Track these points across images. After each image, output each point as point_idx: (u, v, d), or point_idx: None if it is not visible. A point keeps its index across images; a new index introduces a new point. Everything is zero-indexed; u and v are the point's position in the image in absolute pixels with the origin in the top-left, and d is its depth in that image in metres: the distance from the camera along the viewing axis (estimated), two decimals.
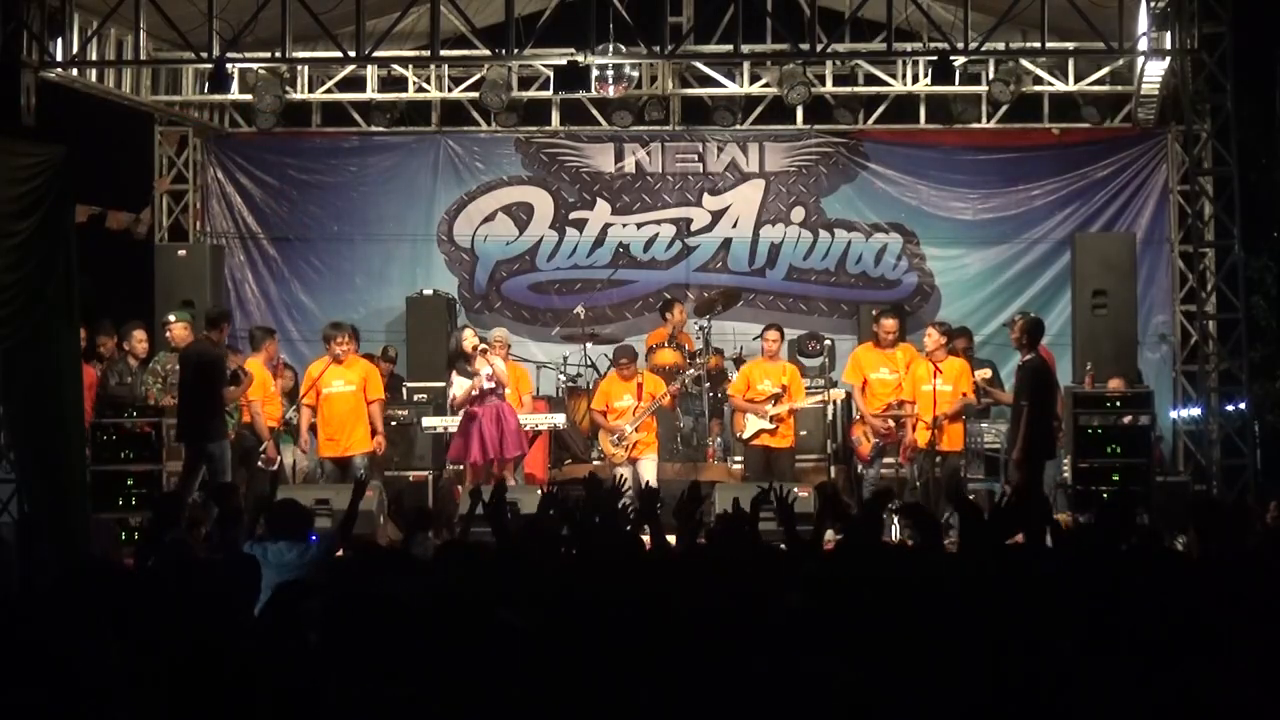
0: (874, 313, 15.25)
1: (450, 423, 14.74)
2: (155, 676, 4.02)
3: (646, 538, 7.56)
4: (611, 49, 14.68)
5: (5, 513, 12.34)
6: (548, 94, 16.83)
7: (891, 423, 14.06)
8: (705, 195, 17.46)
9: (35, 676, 4.02)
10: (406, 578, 5.32)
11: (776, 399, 14.28)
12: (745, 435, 14.41)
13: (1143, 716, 3.75)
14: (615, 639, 3.99)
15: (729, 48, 14.65)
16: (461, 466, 14.08)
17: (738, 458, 14.79)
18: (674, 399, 14.58)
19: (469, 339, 13.90)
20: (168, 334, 13.89)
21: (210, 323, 13.44)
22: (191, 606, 4.78)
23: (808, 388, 14.91)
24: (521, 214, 17.57)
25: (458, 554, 5.83)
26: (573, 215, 17.51)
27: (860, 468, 14.32)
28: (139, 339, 14.26)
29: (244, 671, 3.92)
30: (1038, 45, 14.37)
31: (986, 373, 14.42)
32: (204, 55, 14.19)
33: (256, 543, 8.41)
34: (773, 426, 14.28)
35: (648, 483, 12.79)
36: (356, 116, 17.36)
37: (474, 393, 13.66)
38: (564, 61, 14.38)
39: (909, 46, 14.80)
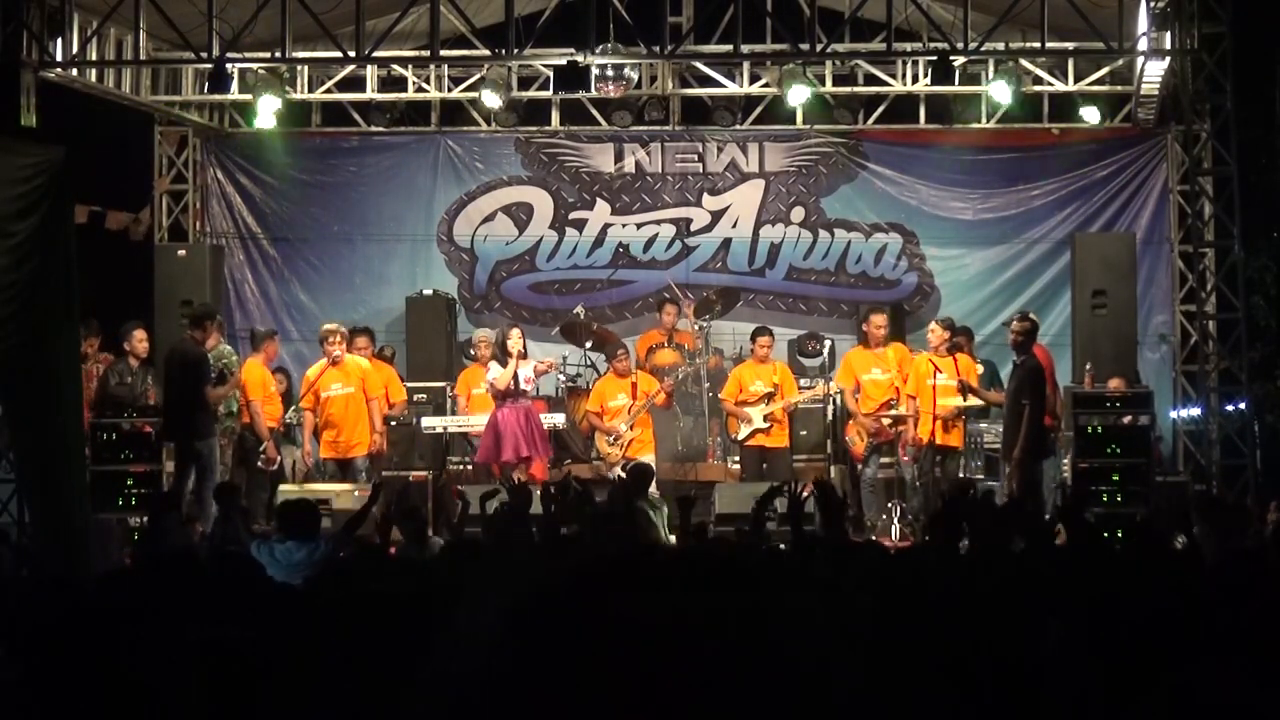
0: (862, 309, 15.30)
1: (449, 422, 14.79)
2: (151, 678, 4.01)
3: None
4: (611, 49, 14.68)
5: (5, 513, 12.35)
6: (548, 94, 16.83)
7: (884, 421, 14.09)
8: (705, 195, 17.44)
9: (36, 678, 4.01)
10: (402, 577, 5.31)
11: (769, 398, 14.32)
12: (740, 436, 14.45)
13: (1142, 717, 3.74)
14: (616, 640, 3.98)
15: (729, 48, 14.66)
16: (467, 466, 14.17)
17: (737, 457, 14.80)
18: (669, 396, 14.57)
19: (515, 340, 14.04)
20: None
21: (193, 322, 13.49)
22: (189, 606, 4.77)
23: (804, 386, 14.95)
24: (521, 214, 17.56)
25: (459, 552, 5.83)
26: (572, 215, 17.50)
27: (858, 467, 14.35)
28: (139, 339, 14.25)
29: (237, 671, 3.91)
30: (1038, 45, 14.38)
31: (979, 368, 14.46)
32: (204, 55, 14.20)
33: (264, 542, 8.42)
34: (766, 426, 14.31)
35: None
36: (356, 116, 17.35)
37: (511, 384, 13.70)
38: (564, 61, 14.38)
39: (909, 46, 14.80)
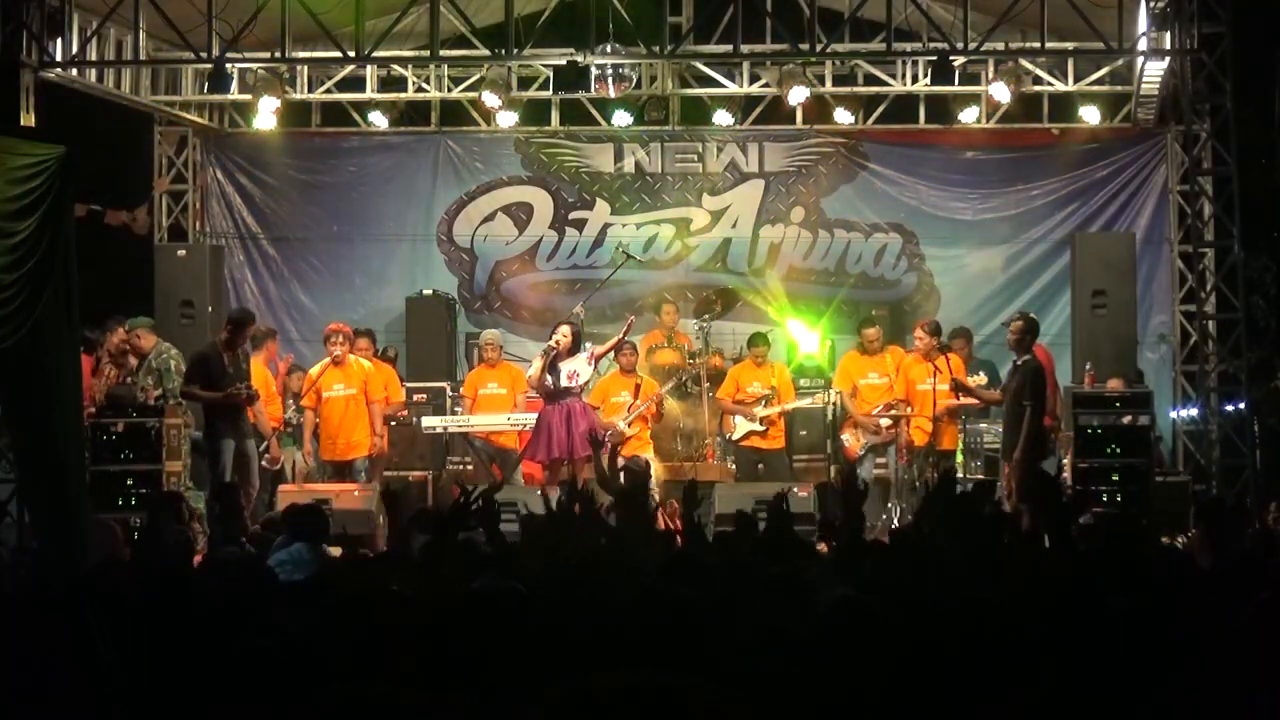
0: (863, 320, 15.38)
1: (450, 422, 14.80)
2: (151, 676, 4.02)
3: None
4: (611, 49, 14.68)
5: (5, 513, 12.34)
6: (548, 94, 16.84)
7: (883, 423, 14.11)
8: (705, 195, 17.44)
9: (40, 675, 4.02)
10: (405, 576, 5.32)
11: (766, 400, 14.34)
12: (735, 436, 14.48)
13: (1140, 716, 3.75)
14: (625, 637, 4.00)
15: (729, 48, 14.67)
16: (467, 466, 14.11)
17: (733, 457, 14.80)
18: (658, 409, 14.54)
19: (557, 336, 13.56)
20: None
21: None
22: (191, 604, 4.78)
23: (805, 387, 14.96)
24: (521, 214, 17.56)
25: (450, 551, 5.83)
26: (572, 215, 17.50)
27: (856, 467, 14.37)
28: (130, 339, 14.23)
29: (238, 667, 3.92)
30: (1037, 45, 14.40)
31: (982, 378, 14.45)
32: (204, 55, 14.20)
33: (279, 546, 8.46)
34: (763, 428, 14.34)
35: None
36: (356, 117, 17.35)
37: (549, 381, 13.37)
38: (564, 61, 14.39)
39: (909, 46, 14.80)
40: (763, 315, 16.75)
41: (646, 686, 1.49)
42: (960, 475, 13.71)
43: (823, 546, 8.06)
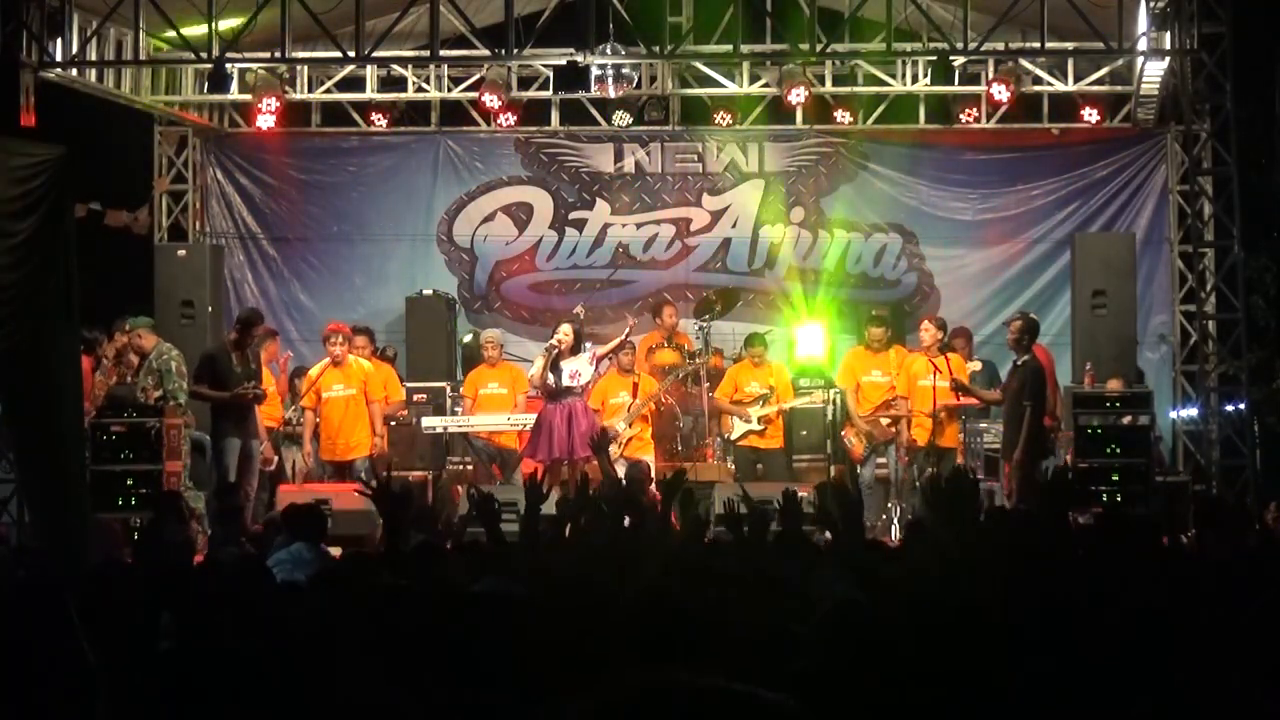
0: (869, 318, 15.35)
1: (450, 422, 14.78)
2: (151, 675, 4.01)
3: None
4: (611, 49, 14.69)
5: (5, 513, 12.35)
6: (547, 94, 16.84)
7: (883, 422, 14.12)
8: (705, 195, 17.45)
9: (37, 673, 4.02)
10: (403, 576, 5.32)
11: (764, 400, 14.35)
12: (733, 436, 14.48)
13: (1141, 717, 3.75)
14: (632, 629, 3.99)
15: (729, 48, 14.67)
16: (468, 466, 14.08)
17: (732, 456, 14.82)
18: (658, 407, 14.53)
19: (559, 335, 13.54)
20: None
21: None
22: (191, 604, 4.78)
23: (804, 388, 14.96)
24: (521, 214, 17.56)
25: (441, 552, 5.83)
26: (572, 215, 17.50)
27: (857, 468, 14.38)
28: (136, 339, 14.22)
29: (241, 669, 3.92)
30: (1037, 45, 14.41)
31: (977, 364, 14.47)
32: (204, 55, 14.21)
33: (279, 546, 8.47)
34: (760, 428, 14.35)
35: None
36: (356, 117, 17.36)
37: (551, 379, 13.38)
38: (564, 61, 14.39)
39: (909, 46, 14.81)
40: (763, 315, 16.75)
41: (685, 689, 1.47)
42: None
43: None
